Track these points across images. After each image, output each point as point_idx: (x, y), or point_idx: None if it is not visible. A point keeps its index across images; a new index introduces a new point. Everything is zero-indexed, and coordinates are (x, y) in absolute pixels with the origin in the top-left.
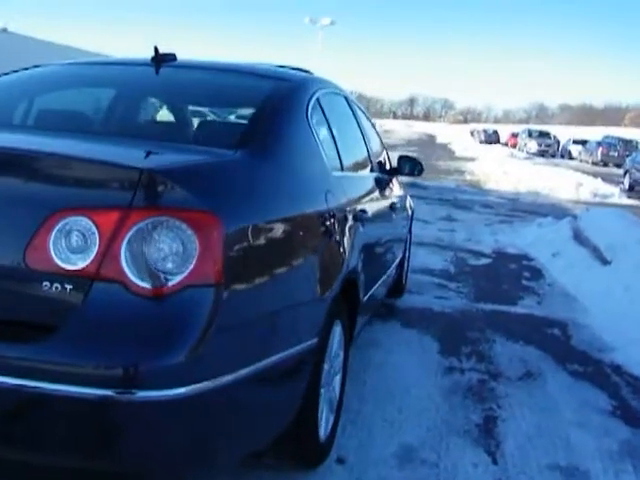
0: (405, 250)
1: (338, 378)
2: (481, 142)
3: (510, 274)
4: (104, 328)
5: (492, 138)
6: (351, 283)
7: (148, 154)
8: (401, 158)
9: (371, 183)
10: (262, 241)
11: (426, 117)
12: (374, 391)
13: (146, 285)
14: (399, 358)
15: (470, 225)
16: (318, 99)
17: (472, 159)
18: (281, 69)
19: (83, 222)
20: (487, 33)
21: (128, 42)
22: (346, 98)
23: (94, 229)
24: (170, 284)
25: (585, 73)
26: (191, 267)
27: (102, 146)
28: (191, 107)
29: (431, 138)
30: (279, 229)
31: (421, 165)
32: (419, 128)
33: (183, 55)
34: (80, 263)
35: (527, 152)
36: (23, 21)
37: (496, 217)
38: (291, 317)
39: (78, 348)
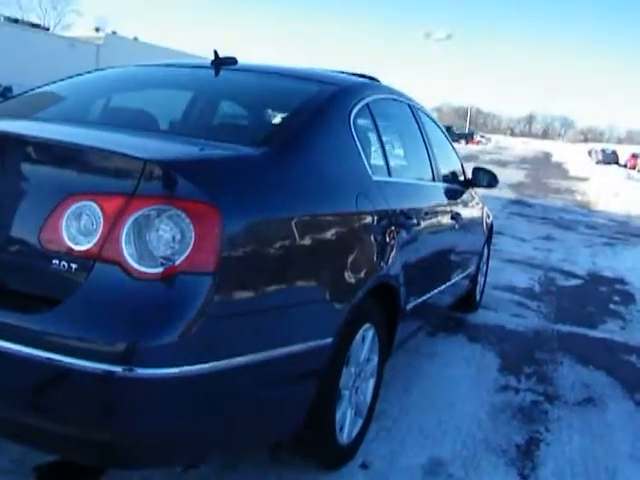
0: (479, 265)
1: (370, 383)
2: (598, 162)
3: (599, 297)
4: (102, 306)
5: (610, 158)
6: (387, 289)
7: (161, 146)
8: (476, 170)
9: (430, 192)
10: (270, 237)
11: (544, 135)
12: (418, 401)
13: (143, 268)
14: (454, 372)
15: (569, 246)
16: (368, 104)
17: (585, 179)
18: (338, 74)
19: (91, 206)
20: (613, 49)
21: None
22: (410, 106)
23: (100, 213)
24: (165, 269)
25: None
26: (186, 255)
27: (127, 138)
28: (234, 107)
29: (546, 156)
30: (290, 227)
31: (496, 178)
32: (535, 146)
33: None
34: (86, 244)
35: None
36: (133, 26)
37: (599, 239)
38: (299, 314)
39: (77, 322)
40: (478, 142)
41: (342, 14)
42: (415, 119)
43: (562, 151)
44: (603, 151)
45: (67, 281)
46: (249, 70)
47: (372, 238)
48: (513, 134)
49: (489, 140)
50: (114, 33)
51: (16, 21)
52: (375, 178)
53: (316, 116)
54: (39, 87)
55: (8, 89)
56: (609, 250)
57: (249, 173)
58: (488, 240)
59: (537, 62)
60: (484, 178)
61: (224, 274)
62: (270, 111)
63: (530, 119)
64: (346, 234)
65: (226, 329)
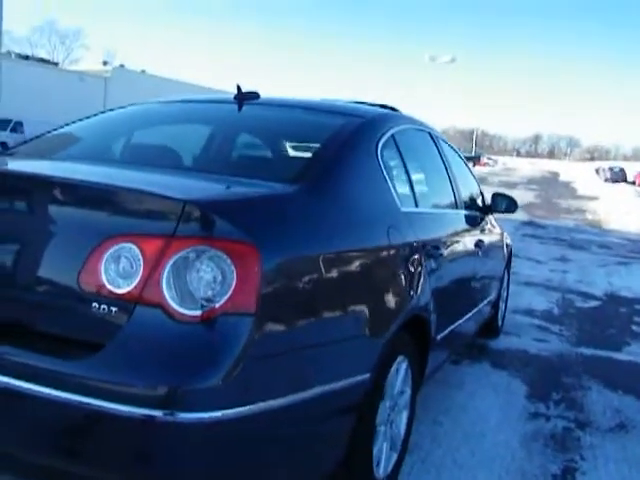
0: (500, 290)
1: (404, 415)
2: (606, 180)
3: (619, 318)
4: (144, 349)
5: (618, 176)
6: (420, 320)
7: (198, 186)
8: (495, 196)
9: (454, 220)
10: (306, 274)
11: (551, 155)
12: (449, 433)
13: (185, 311)
14: (482, 401)
15: (584, 266)
16: (393, 135)
17: (594, 198)
18: (360, 106)
19: (131, 248)
20: (617, 69)
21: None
22: (431, 135)
23: (140, 255)
24: (207, 310)
25: None
26: (228, 295)
27: (160, 178)
28: (260, 142)
29: (554, 176)
30: (327, 263)
31: (515, 203)
32: (542, 166)
33: (299, 93)
34: (126, 287)
35: None
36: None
37: (613, 258)
38: (336, 351)
39: (117, 366)
40: (485, 164)
41: (341, 39)
42: (437, 147)
43: (569, 170)
44: (611, 169)
45: (107, 324)
46: (272, 104)
47: (404, 270)
48: (519, 155)
49: (496, 162)
50: (122, 66)
51: (27, 57)
52: (403, 209)
53: (345, 150)
54: (62, 127)
55: (19, 124)
56: (624, 269)
57: (285, 211)
58: (507, 265)
59: (541, 82)
60: (503, 203)
61: (264, 314)
62: (298, 146)
63: (536, 139)
64: (380, 268)
65: (267, 369)
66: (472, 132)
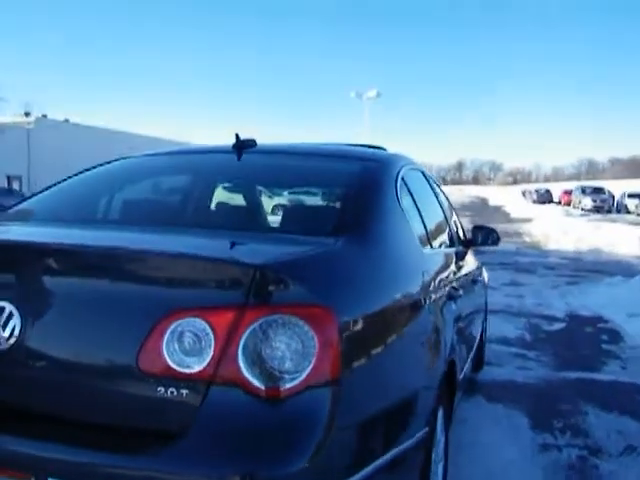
0: (484, 321)
1: (441, 466)
2: (534, 202)
3: (588, 338)
4: (226, 434)
5: (544, 197)
6: (451, 364)
7: (253, 249)
8: (475, 228)
9: (454, 257)
10: (373, 331)
11: (475, 180)
12: (471, 473)
13: (266, 387)
14: (490, 437)
15: (537, 289)
16: (403, 177)
17: (528, 220)
18: (362, 149)
19: (197, 323)
20: (531, 92)
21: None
22: (423, 173)
23: (208, 330)
24: (291, 385)
25: (633, 125)
26: (311, 366)
27: (205, 241)
28: (280, 194)
29: (483, 201)
30: (388, 317)
31: (497, 234)
32: (470, 191)
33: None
34: (196, 366)
35: (582, 209)
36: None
37: (561, 279)
38: (406, 408)
39: (200, 456)
40: None
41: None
42: (430, 186)
43: (496, 194)
44: (537, 191)
45: (177, 410)
46: (275, 152)
47: (439, 314)
48: (445, 182)
49: None
50: (44, 116)
51: None
52: (425, 251)
53: (374, 197)
54: (57, 184)
55: None
56: (575, 289)
57: (346, 267)
58: (486, 295)
59: (462, 109)
60: (484, 236)
61: (345, 381)
62: (322, 195)
63: (459, 166)
64: (426, 315)
65: (350, 443)
66: None
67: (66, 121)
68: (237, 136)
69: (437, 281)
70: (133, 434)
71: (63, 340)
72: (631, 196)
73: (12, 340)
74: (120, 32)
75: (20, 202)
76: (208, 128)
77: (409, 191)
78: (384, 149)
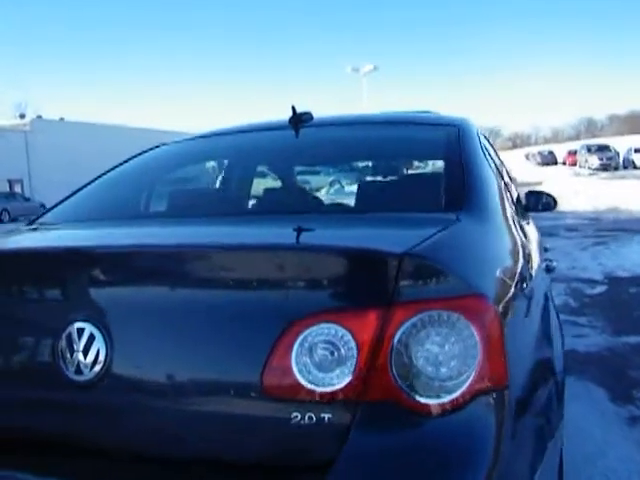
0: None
1: None
2: (538, 164)
3: (636, 300)
4: (386, 463)
5: (548, 159)
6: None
7: (380, 234)
8: (530, 193)
9: (530, 226)
10: (520, 318)
11: None
12: (569, 460)
13: (427, 400)
14: (573, 413)
15: (566, 252)
16: (482, 142)
17: (538, 183)
18: (422, 114)
19: (331, 330)
20: (526, 53)
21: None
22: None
23: (349, 336)
24: (456, 394)
25: (629, 80)
26: (477, 368)
27: (310, 229)
28: (373, 167)
29: None
30: (526, 298)
31: (553, 197)
32: None
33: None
34: (337, 383)
35: (589, 168)
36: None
37: (588, 240)
38: (559, 399)
39: None
40: None
41: (255, 61)
42: (493, 148)
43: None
44: (540, 153)
45: (320, 439)
46: (337, 124)
47: (549, 289)
48: None
49: None
50: (39, 117)
51: None
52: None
53: (476, 165)
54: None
55: None
56: (606, 250)
57: (478, 246)
58: None
59: (459, 77)
60: (540, 201)
61: (513, 383)
62: (415, 165)
63: None
64: (544, 289)
65: (524, 453)
66: None
67: (62, 119)
68: (293, 108)
69: (539, 252)
70: (268, 474)
71: (162, 363)
72: (638, 151)
73: (97, 367)
74: (116, 20)
75: (58, 204)
76: (206, 117)
77: (490, 156)
78: (431, 112)
